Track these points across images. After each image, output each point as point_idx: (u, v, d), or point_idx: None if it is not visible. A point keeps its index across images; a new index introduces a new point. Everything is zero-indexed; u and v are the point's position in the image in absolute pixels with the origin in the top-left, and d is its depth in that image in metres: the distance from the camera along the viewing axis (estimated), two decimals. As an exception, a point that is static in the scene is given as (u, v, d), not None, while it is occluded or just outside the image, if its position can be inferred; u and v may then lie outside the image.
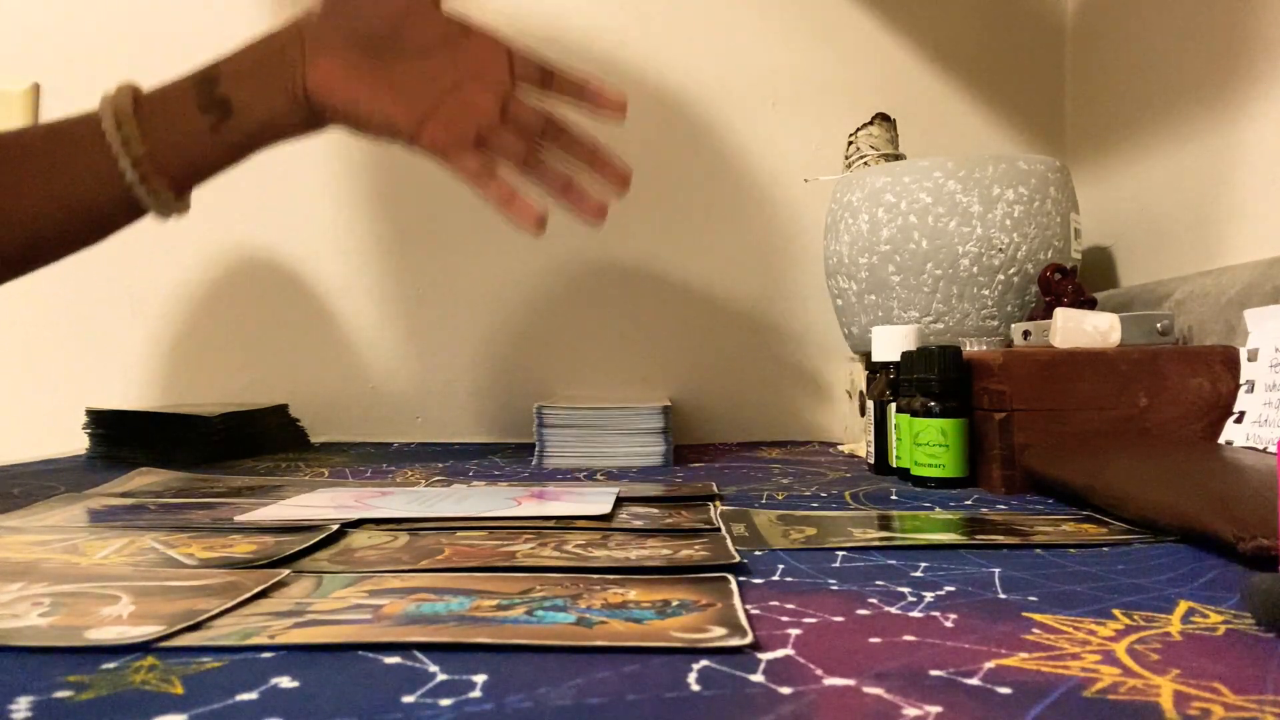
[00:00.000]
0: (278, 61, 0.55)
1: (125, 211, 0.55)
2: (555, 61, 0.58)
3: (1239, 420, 0.55)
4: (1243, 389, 0.56)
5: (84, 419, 0.77)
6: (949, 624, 0.28)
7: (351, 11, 0.55)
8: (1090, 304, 0.69)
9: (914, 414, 0.58)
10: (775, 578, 0.34)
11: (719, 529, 0.42)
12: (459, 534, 0.41)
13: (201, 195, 1.04)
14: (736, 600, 0.29)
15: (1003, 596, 0.31)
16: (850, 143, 0.89)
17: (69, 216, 0.55)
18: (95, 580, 0.32)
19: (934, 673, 0.23)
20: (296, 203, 0.99)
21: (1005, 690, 0.22)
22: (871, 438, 0.65)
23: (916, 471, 0.58)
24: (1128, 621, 0.28)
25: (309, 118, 0.57)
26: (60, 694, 0.22)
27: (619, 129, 1.00)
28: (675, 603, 0.29)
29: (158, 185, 0.54)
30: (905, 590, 0.32)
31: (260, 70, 0.55)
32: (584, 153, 0.59)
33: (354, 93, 0.55)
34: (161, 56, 0.99)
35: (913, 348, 0.62)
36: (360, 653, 0.25)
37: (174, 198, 0.56)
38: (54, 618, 0.27)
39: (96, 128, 0.54)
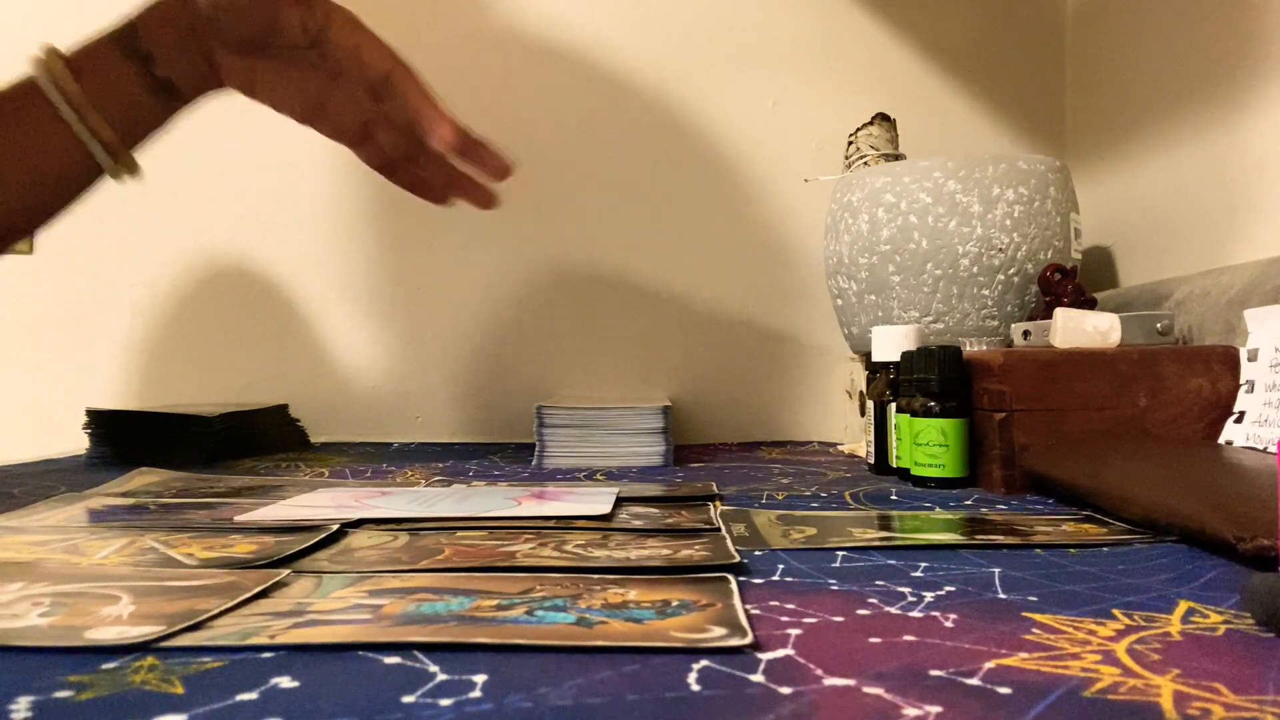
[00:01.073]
0: (187, 30, 0.57)
1: (85, 176, 0.57)
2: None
3: (1239, 420, 0.55)
4: (1243, 389, 0.56)
5: (84, 419, 0.77)
6: (949, 624, 0.28)
7: (225, 21, 0.58)
8: (1090, 304, 0.69)
9: (914, 414, 0.58)
10: (775, 578, 0.34)
11: (719, 529, 0.42)
12: (459, 534, 0.41)
13: (202, 196, 1.04)
14: (736, 600, 0.29)
15: (1003, 596, 0.31)
16: (850, 143, 0.89)
17: (34, 186, 0.56)
18: (95, 580, 0.32)
19: (934, 673, 0.23)
20: (296, 203, 0.99)
21: (1005, 690, 0.22)
22: (871, 438, 0.65)
23: (916, 471, 0.58)
24: (1128, 621, 0.28)
25: (215, 86, 0.60)
26: (60, 694, 0.22)
27: (620, 132, 1.01)
28: (675, 603, 0.29)
29: (114, 145, 0.56)
30: (905, 590, 0.32)
31: (172, 27, 0.57)
32: (412, 110, 0.60)
33: (249, 80, 0.59)
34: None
35: (913, 348, 0.62)
36: (360, 653, 0.25)
37: (129, 157, 0.57)
38: (54, 618, 0.27)
39: (38, 95, 0.55)
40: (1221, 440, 0.55)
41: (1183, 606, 0.30)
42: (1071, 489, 0.49)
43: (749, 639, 0.25)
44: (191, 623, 0.27)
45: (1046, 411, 0.55)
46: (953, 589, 0.32)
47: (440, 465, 0.73)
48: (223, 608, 0.28)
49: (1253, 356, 0.56)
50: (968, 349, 0.61)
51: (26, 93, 0.56)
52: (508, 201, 1.00)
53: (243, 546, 0.38)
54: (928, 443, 0.57)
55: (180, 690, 0.22)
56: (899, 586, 0.32)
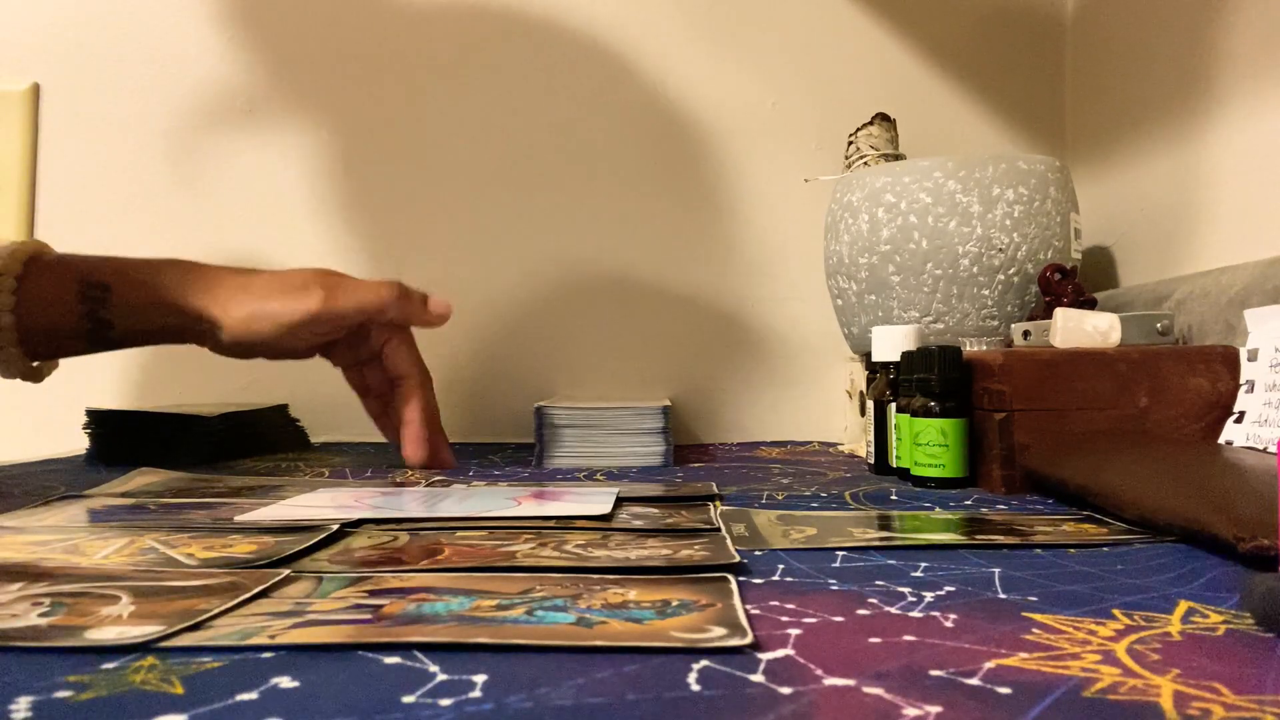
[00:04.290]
0: (175, 327, 0.61)
1: None
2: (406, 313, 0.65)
3: (1239, 420, 0.55)
4: (1243, 389, 0.56)
5: (84, 419, 0.77)
6: (949, 624, 0.28)
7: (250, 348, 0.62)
8: (1090, 304, 0.69)
9: (914, 414, 0.58)
10: (775, 578, 0.34)
11: (719, 529, 0.42)
12: (459, 534, 0.41)
13: (202, 196, 1.03)
14: (736, 600, 0.29)
15: (1003, 596, 0.31)
16: (850, 143, 0.89)
17: None
18: (95, 580, 0.32)
19: (934, 673, 0.23)
20: (296, 203, 0.99)
21: (1005, 690, 0.22)
22: (871, 438, 0.65)
23: (916, 471, 0.58)
24: (1128, 621, 0.28)
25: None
26: (60, 694, 0.22)
27: (619, 131, 1.01)
28: (675, 603, 0.29)
29: (11, 350, 0.57)
30: (905, 590, 0.32)
31: (148, 314, 0.60)
32: (401, 415, 0.66)
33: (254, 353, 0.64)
34: (161, 56, 1.00)
35: (913, 348, 0.62)
36: (360, 653, 0.25)
37: (25, 362, 0.59)
38: (54, 618, 0.27)
39: None
40: (1221, 440, 0.55)
41: (1183, 606, 0.30)
42: (1071, 489, 0.49)
43: (749, 639, 0.25)
44: (191, 623, 0.27)
45: (1046, 411, 0.55)
46: (953, 589, 0.32)
47: (440, 465, 0.73)
48: (223, 608, 0.28)
49: (1253, 356, 0.56)
50: (968, 349, 0.61)
51: None
52: (508, 202, 1.01)
53: (243, 546, 0.38)
54: (928, 443, 0.57)
55: (180, 690, 0.22)
56: (899, 586, 0.32)
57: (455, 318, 0.68)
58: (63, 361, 0.98)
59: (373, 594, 0.30)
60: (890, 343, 0.64)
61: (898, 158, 0.86)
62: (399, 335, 0.65)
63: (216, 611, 0.28)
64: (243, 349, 0.62)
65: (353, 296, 0.62)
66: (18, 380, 0.61)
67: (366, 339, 0.65)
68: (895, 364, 0.62)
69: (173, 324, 0.60)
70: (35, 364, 0.61)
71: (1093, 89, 0.98)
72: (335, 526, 0.42)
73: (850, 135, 0.89)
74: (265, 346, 0.62)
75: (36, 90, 0.99)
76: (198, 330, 0.61)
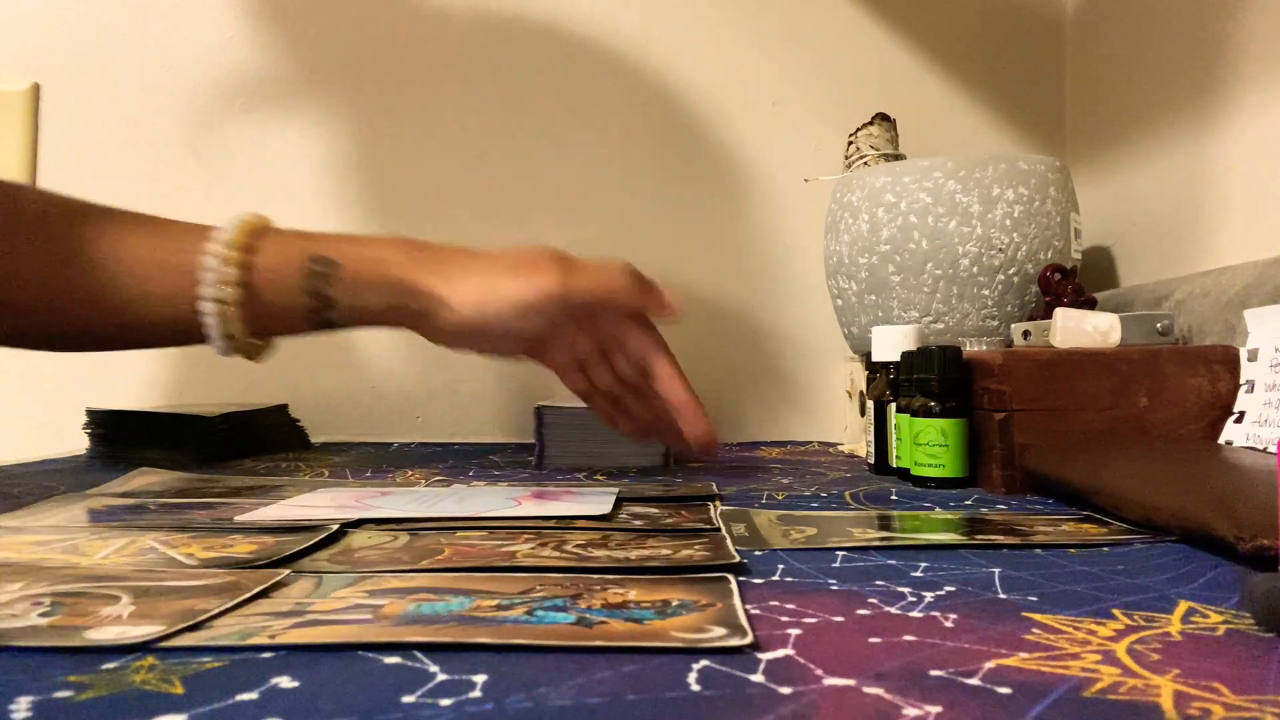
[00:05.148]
0: (400, 307, 0.57)
1: (180, 335, 0.57)
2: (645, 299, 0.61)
3: (1239, 420, 0.55)
4: (1243, 389, 0.56)
5: (84, 419, 0.77)
6: (949, 624, 0.28)
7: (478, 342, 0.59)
8: (1090, 304, 0.69)
9: (914, 414, 0.58)
10: (775, 578, 0.34)
11: (719, 529, 0.42)
12: (459, 534, 0.41)
13: (202, 196, 1.03)
14: (736, 600, 0.29)
15: (1003, 596, 0.31)
16: (850, 142, 0.89)
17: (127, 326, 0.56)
18: (95, 580, 0.32)
19: (934, 673, 0.23)
20: (296, 203, 0.99)
21: (1005, 690, 0.22)
22: (871, 438, 0.65)
23: (916, 471, 0.58)
24: (1128, 621, 0.28)
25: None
26: (60, 694, 0.22)
27: (618, 127, 1.01)
28: (675, 603, 0.29)
29: (236, 326, 0.55)
30: (905, 590, 0.32)
31: (375, 292, 0.56)
32: (668, 398, 0.62)
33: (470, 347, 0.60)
34: (161, 57, 1.00)
35: (913, 348, 0.62)
36: (360, 653, 0.25)
37: (249, 341, 0.57)
38: (54, 618, 0.27)
39: (193, 272, 0.55)
40: (1221, 440, 0.55)
41: (1183, 606, 0.30)
42: (1071, 489, 0.49)
43: (749, 639, 0.25)
44: (191, 623, 0.27)
45: (1046, 411, 0.55)
46: (953, 589, 0.32)
47: (440, 465, 0.73)
48: (223, 608, 0.28)
49: (1253, 356, 0.56)
50: (968, 349, 0.61)
51: (191, 235, 0.55)
52: (507, 201, 1.01)
53: (243, 546, 0.38)
54: (928, 443, 0.57)
55: (180, 690, 0.22)
56: (899, 586, 0.32)
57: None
58: (63, 361, 0.99)
59: (373, 594, 0.30)
60: (890, 343, 0.64)
61: (898, 158, 0.86)
62: (634, 319, 0.61)
63: (216, 611, 0.28)
64: (468, 333, 0.57)
65: (587, 277, 0.57)
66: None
67: (586, 332, 0.61)
68: (895, 364, 0.62)
69: (397, 304, 0.56)
70: (258, 342, 0.57)
71: (1093, 89, 0.98)
72: (335, 526, 0.42)
73: (850, 135, 0.89)
74: (492, 331, 0.56)
75: (36, 90, 0.99)
76: (422, 311, 0.56)
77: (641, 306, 0.61)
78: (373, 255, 0.56)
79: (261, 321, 0.56)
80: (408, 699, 0.21)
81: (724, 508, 0.49)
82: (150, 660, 0.24)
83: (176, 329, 0.56)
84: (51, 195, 0.57)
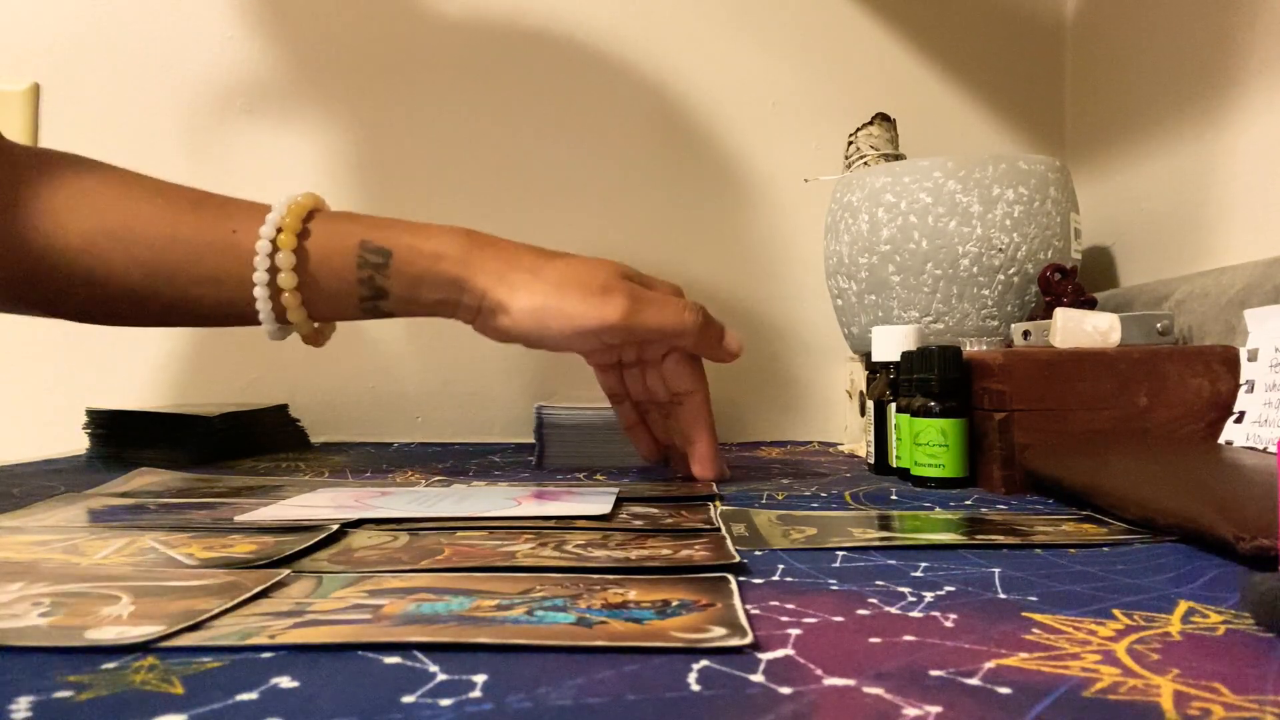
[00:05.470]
0: (453, 301, 0.57)
1: (231, 316, 0.57)
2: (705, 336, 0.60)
3: (1239, 420, 0.55)
4: (1243, 389, 0.56)
5: (84, 419, 0.77)
6: (949, 624, 0.28)
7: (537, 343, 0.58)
8: (1090, 304, 0.69)
9: (914, 414, 0.58)
10: (775, 578, 0.34)
11: (719, 529, 0.42)
12: (459, 534, 0.41)
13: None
14: (736, 600, 0.29)
15: (1003, 596, 0.31)
16: (850, 143, 0.89)
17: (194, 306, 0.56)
18: (95, 580, 0.32)
19: (934, 673, 0.23)
20: (296, 203, 0.99)
21: (1005, 690, 0.22)
22: (871, 438, 0.65)
23: (916, 471, 0.58)
24: (1128, 621, 0.28)
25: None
26: (60, 694, 0.22)
27: (618, 127, 1.01)
28: (675, 603, 0.29)
29: (297, 311, 0.55)
30: (905, 590, 0.32)
31: (429, 286, 0.56)
32: (687, 433, 0.61)
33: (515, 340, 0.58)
34: (161, 57, 1.00)
35: (913, 348, 0.62)
36: (360, 653, 0.25)
37: (309, 324, 0.57)
38: (54, 618, 0.27)
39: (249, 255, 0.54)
40: (1221, 440, 0.55)
41: (1183, 606, 0.30)
42: (1071, 489, 0.49)
43: (749, 639, 0.25)
44: (191, 623, 0.27)
45: (1046, 411, 0.55)
46: (953, 589, 0.32)
47: (440, 465, 0.73)
48: (223, 608, 0.28)
49: (1253, 356, 0.56)
50: (968, 349, 0.61)
51: (242, 215, 0.55)
52: (507, 200, 1.01)
53: (243, 546, 0.38)
54: (928, 443, 0.57)
55: (180, 690, 0.22)
56: (899, 586, 0.32)
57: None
58: (63, 361, 0.99)
59: (373, 594, 0.30)
60: (890, 343, 0.64)
61: (898, 158, 0.86)
62: (682, 349, 0.60)
63: (216, 611, 0.28)
64: (521, 339, 0.57)
65: (656, 316, 0.56)
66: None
67: (634, 344, 0.61)
68: (895, 364, 0.62)
69: (450, 299, 0.56)
70: (317, 325, 0.57)
71: (1093, 89, 0.98)
72: (335, 526, 0.42)
73: (850, 135, 0.89)
74: (547, 344, 0.57)
75: (36, 90, 0.99)
76: (477, 309, 0.56)
77: (701, 352, 0.61)
78: (429, 249, 0.55)
79: (313, 306, 0.55)
80: (408, 699, 0.21)
81: (724, 508, 0.49)
82: (150, 660, 0.24)
83: (227, 310, 0.56)
84: (106, 168, 0.57)
